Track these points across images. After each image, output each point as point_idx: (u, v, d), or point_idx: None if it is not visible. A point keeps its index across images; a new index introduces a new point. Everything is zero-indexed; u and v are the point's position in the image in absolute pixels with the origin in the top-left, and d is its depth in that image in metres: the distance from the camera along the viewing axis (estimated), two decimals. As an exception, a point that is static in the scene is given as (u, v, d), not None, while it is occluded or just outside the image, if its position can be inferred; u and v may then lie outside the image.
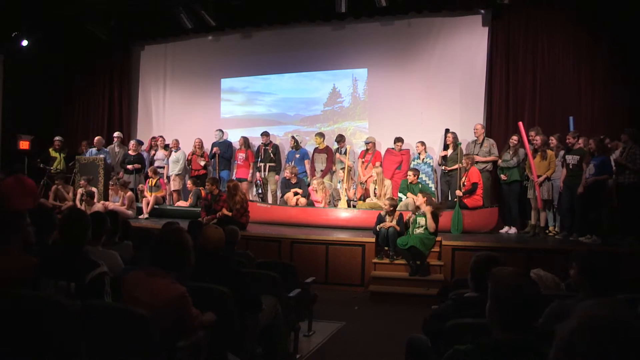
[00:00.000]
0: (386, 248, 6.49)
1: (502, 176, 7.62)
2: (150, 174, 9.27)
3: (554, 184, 7.12)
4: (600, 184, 6.39)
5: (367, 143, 8.74)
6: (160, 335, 2.29)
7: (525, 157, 7.30)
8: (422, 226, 6.31)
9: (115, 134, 10.24)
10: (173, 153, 9.66)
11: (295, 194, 8.48)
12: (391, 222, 6.46)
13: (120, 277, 2.73)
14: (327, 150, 9.01)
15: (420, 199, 6.48)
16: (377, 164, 8.44)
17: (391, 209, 6.56)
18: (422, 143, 8.41)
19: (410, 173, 7.72)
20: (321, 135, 9.11)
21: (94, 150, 9.66)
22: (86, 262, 2.55)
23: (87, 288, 2.43)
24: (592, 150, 6.60)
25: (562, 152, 7.21)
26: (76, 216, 2.76)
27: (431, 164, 8.38)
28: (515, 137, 7.58)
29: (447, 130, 8.25)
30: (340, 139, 8.90)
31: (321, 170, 8.89)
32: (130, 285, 2.52)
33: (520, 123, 7.33)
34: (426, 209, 6.29)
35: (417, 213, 6.47)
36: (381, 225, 6.49)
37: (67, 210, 3.49)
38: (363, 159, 8.77)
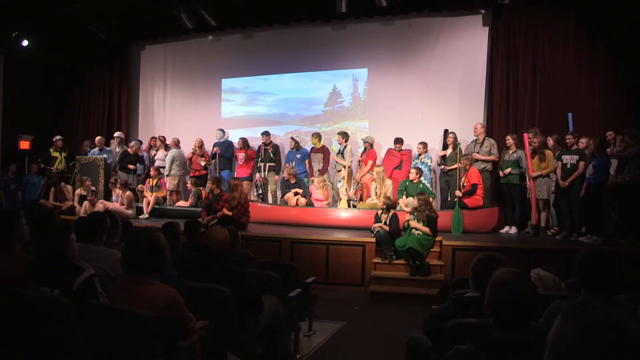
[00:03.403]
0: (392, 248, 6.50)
1: (501, 172, 7.60)
2: (152, 173, 9.28)
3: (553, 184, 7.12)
4: (600, 186, 6.40)
5: (364, 142, 8.76)
6: (159, 335, 2.29)
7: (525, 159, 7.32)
8: (417, 229, 6.32)
9: (116, 133, 10.27)
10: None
11: (296, 194, 8.49)
12: (384, 221, 6.49)
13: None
14: (323, 149, 9.01)
15: (415, 203, 6.48)
16: (370, 162, 8.48)
17: (384, 206, 6.59)
18: (424, 144, 8.41)
19: (412, 171, 7.69)
20: (318, 135, 9.12)
21: (96, 150, 9.68)
22: (70, 268, 2.48)
23: (77, 293, 2.39)
24: (592, 151, 6.60)
25: (558, 152, 7.20)
26: (58, 224, 2.74)
27: (429, 164, 8.37)
28: (509, 138, 7.57)
29: (446, 131, 8.25)
30: (343, 136, 8.84)
31: (318, 170, 8.88)
32: (114, 296, 2.47)
33: (525, 135, 7.28)
34: (416, 224, 6.31)
35: (414, 215, 6.47)
36: (373, 226, 6.55)
37: (49, 218, 3.48)
38: (360, 158, 8.80)
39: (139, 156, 9.71)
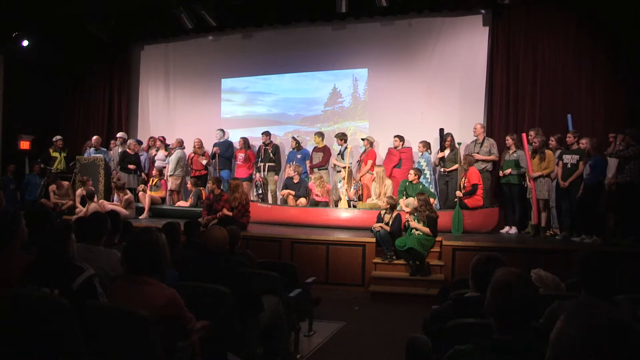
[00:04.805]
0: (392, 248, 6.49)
1: (501, 173, 7.60)
2: (154, 173, 9.29)
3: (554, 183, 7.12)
4: (598, 185, 6.40)
5: (363, 140, 8.78)
6: (159, 335, 2.29)
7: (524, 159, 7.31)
8: (417, 230, 6.31)
9: (119, 134, 10.27)
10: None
11: (296, 196, 8.49)
12: (388, 221, 6.48)
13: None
14: (324, 149, 9.01)
15: (415, 203, 6.48)
16: (370, 162, 8.48)
17: (388, 206, 6.59)
18: (423, 143, 8.39)
19: (412, 172, 7.69)
20: (320, 134, 9.12)
21: (92, 150, 9.69)
22: (70, 268, 2.48)
23: (77, 293, 2.39)
24: (588, 150, 6.61)
25: (559, 152, 7.20)
26: (57, 224, 2.73)
27: (422, 165, 8.29)
28: (509, 138, 7.58)
29: (442, 130, 8.24)
30: (342, 137, 8.87)
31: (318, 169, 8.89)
32: (114, 296, 2.46)
33: (524, 135, 7.30)
34: (415, 224, 6.29)
35: (414, 215, 6.46)
36: (374, 226, 6.55)
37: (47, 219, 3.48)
38: (359, 158, 8.80)
39: (138, 156, 9.71)
